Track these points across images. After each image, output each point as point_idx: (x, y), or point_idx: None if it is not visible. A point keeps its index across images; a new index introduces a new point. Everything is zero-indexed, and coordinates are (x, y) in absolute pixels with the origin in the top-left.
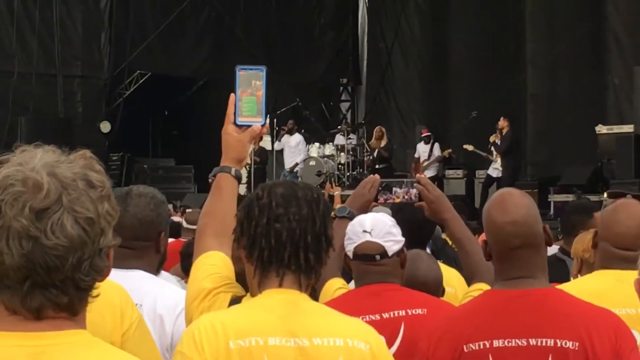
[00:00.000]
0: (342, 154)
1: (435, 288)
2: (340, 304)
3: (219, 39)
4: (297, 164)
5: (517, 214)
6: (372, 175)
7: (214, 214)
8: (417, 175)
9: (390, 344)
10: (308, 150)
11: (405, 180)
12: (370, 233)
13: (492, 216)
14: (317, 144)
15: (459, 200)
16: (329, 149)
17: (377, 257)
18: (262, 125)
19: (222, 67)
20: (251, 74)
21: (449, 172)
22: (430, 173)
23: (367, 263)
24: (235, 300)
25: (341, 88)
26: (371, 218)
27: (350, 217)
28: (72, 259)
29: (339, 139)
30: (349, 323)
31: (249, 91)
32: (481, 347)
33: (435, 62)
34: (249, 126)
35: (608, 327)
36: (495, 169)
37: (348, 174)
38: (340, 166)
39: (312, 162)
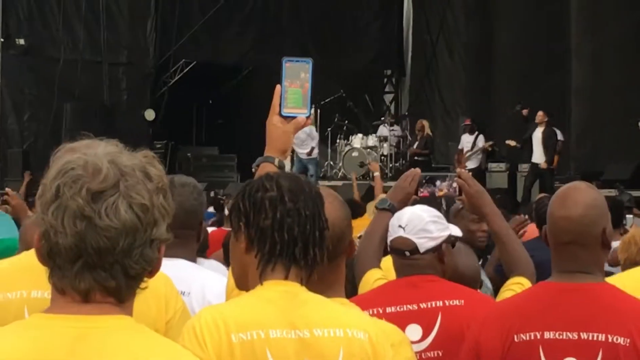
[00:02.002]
0: (384, 145)
1: (473, 281)
2: (379, 295)
3: (264, 28)
4: (313, 148)
5: (573, 211)
6: (413, 169)
7: None
8: (458, 169)
9: (427, 333)
10: (351, 141)
11: (448, 174)
12: (404, 228)
13: (551, 207)
14: (360, 135)
15: (501, 194)
16: (371, 140)
17: (407, 253)
18: (307, 117)
19: (267, 56)
20: (298, 65)
21: (492, 165)
22: (472, 164)
23: (400, 257)
24: None
25: (385, 79)
26: (409, 213)
27: (391, 210)
28: (123, 243)
29: (382, 130)
30: (348, 313)
31: (295, 83)
32: (532, 337)
33: (479, 54)
34: (294, 117)
35: None
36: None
37: (390, 165)
38: (382, 157)
39: (355, 153)
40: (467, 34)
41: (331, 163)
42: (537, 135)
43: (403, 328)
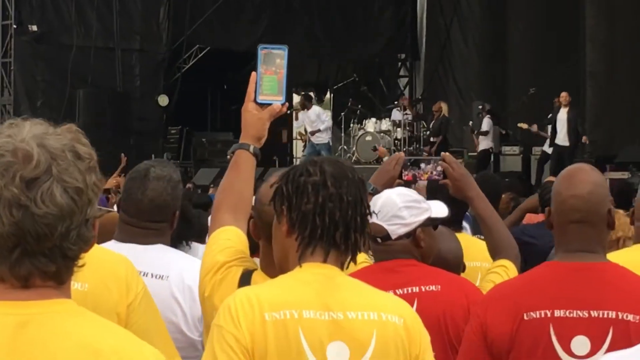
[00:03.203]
0: (398, 129)
1: (456, 264)
2: (356, 279)
3: (277, 14)
4: (319, 131)
5: (581, 189)
6: (397, 153)
7: (231, 190)
8: (442, 153)
9: None
10: (364, 125)
11: (432, 157)
12: (377, 215)
13: (558, 187)
14: (373, 120)
15: (514, 177)
16: (385, 125)
17: (379, 239)
18: (282, 104)
19: (280, 42)
20: (274, 53)
21: (506, 149)
22: (482, 147)
23: (373, 243)
24: (246, 274)
25: (399, 64)
26: (383, 199)
27: (374, 193)
28: (61, 227)
29: (396, 115)
30: (383, 297)
31: (271, 70)
32: (542, 315)
33: (493, 38)
34: (270, 104)
35: None
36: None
37: (404, 149)
38: (396, 142)
39: (369, 137)
40: (481, 18)
41: (345, 147)
42: (562, 117)
43: None
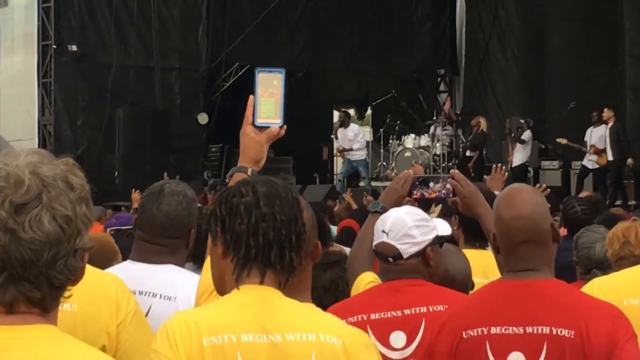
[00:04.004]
0: (437, 144)
1: (464, 282)
2: (364, 300)
3: (315, 31)
4: (351, 149)
5: (523, 210)
6: (405, 171)
7: None
8: (451, 170)
9: (411, 340)
10: (403, 141)
11: (442, 175)
12: (387, 234)
13: (499, 211)
14: (412, 135)
15: (553, 192)
16: (424, 140)
17: (390, 259)
18: (280, 127)
19: (319, 59)
20: (270, 76)
21: (545, 163)
22: (517, 161)
23: (384, 262)
24: None
25: (439, 79)
26: (393, 218)
27: (383, 212)
28: (47, 254)
29: (435, 130)
30: (322, 318)
31: (268, 93)
32: (479, 333)
33: (533, 52)
34: (268, 127)
35: (606, 317)
36: (590, 161)
37: (443, 164)
38: (435, 157)
39: (408, 153)
40: (520, 31)
41: (384, 163)
42: (603, 132)
43: (387, 335)
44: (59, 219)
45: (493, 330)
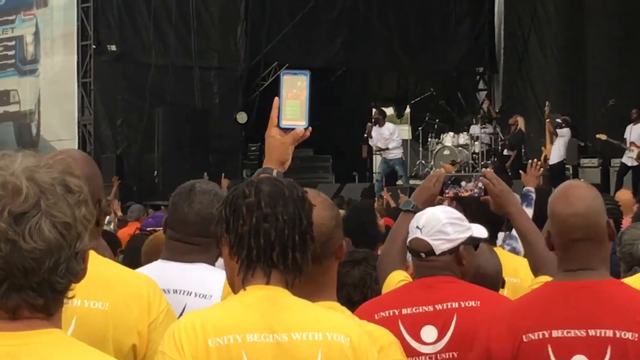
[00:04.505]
0: (476, 143)
1: (494, 280)
2: (396, 296)
3: (354, 29)
4: (387, 148)
5: (579, 207)
6: (437, 170)
7: None
8: (483, 169)
9: (442, 335)
10: (442, 139)
11: (473, 174)
12: (421, 230)
13: (555, 208)
14: (451, 134)
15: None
16: (463, 138)
17: (422, 254)
18: (305, 129)
19: (357, 57)
20: (295, 78)
21: (584, 161)
22: (554, 160)
23: (417, 258)
24: None
25: (477, 77)
26: (428, 214)
27: (415, 211)
28: (49, 262)
29: (474, 128)
30: (329, 317)
31: (293, 95)
32: (540, 337)
33: (571, 49)
34: (293, 129)
35: None
36: (630, 158)
37: (482, 163)
38: (474, 155)
39: (446, 152)
40: (559, 28)
41: (423, 162)
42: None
43: (418, 329)
44: (59, 226)
45: (555, 333)
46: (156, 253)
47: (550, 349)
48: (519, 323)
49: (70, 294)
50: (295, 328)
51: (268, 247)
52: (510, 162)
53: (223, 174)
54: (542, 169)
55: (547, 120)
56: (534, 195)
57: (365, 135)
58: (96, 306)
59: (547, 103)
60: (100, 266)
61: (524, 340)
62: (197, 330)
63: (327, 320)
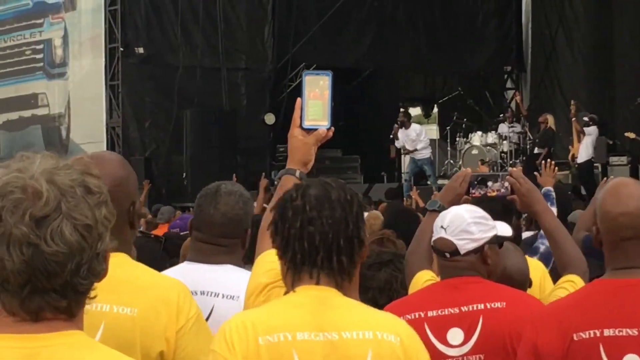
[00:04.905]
0: (504, 142)
1: (521, 280)
2: (421, 298)
3: (381, 29)
4: (415, 149)
5: (630, 205)
6: (464, 169)
7: None
8: (509, 169)
9: (468, 337)
10: (470, 138)
11: (500, 174)
12: (445, 229)
13: (605, 206)
14: (479, 133)
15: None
16: (491, 137)
17: (447, 254)
18: (328, 129)
19: (385, 57)
20: (318, 78)
21: (613, 159)
22: (582, 158)
23: (442, 258)
24: None
25: (505, 76)
26: (452, 214)
27: (440, 211)
28: (71, 264)
29: (502, 128)
30: (379, 316)
31: (316, 95)
32: (591, 335)
33: (599, 47)
34: (315, 129)
35: None
36: None
37: (511, 162)
38: (502, 154)
39: (475, 151)
40: (587, 27)
41: (451, 161)
42: None
43: (445, 332)
44: (80, 229)
45: (606, 332)
46: None
47: (602, 348)
48: (569, 321)
49: (92, 294)
50: (346, 327)
51: (313, 251)
52: (540, 160)
53: (263, 174)
54: (556, 168)
55: (574, 119)
56: (554, 194)
57: (392, 136)
58: (125, 312)
59: (572, 102)
60: (131, 271)
61: (575, 339)
62: (248, 328)
63: (377, 319)
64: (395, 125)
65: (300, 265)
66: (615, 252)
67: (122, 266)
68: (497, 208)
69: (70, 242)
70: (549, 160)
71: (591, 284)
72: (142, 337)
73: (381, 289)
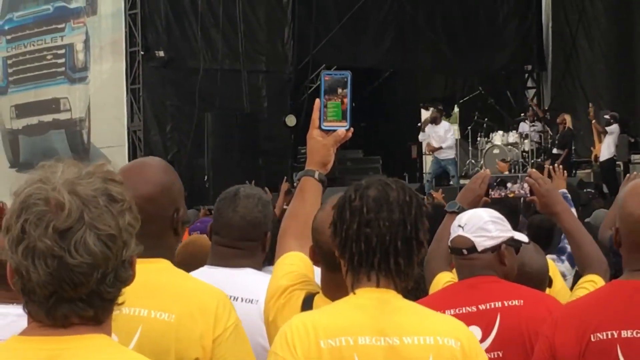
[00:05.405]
0: (525, 141)
1: (540, 279)
2: (439, 298)
3: (401, 30)
4: (440, 147)
5: None
6: (483, 171)
7: (297, 216)
8: (529, 170)
9: (486, 335)
10: (491, 138)
11: (519, 175)
12: (463, 227)
13: (628, 207)
14: (500, 132)
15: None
16: (512, 137)
17: (465, 251)
18: (347, 130)
19: (405, 57)
20: (336, 79)
21: (635, 157)
22: (604, 156)
23: (459, 257)
24: (309, 298)
25: (526, 75)
26: (470, 213)
27: (460, 212)
28: (97, 274)
29: (523, 127)
30: (440, 320)
31: (335, 96)
32: (609, 337)
33: (620, 45)
34: (334, 130)
35: None
36: None
37: (532, 161)
38: (524, 154)
39: (496, 151)
40: (607, 25)
41: (472, 161)
42: None
43: None
44: (104, 239)
45: (624, 333)
46: (190, 259)
47: (619, 349)
48: (587, 321)
49: (120, 299)
50: (407, 331)
51: (370, 253)
52: (561, 161)
53: (285, 178)
54: (565, 172)
55: (593, 121)
56: (569, 196)
57: (420, 125)
58: (162, 317)
59: (590, 105)
60: (172, 277)
61: (592, 339)
62: (309, 331)
63: (438, 323)
64: (427, 118)
65: (358, 267)
66: (635, 253)
67: (163, 272)
68: (503, 210)
69: (95, 253)
70: (556, 164)
71: (609, 285)
72: (177, 344)
73: (409, 290)
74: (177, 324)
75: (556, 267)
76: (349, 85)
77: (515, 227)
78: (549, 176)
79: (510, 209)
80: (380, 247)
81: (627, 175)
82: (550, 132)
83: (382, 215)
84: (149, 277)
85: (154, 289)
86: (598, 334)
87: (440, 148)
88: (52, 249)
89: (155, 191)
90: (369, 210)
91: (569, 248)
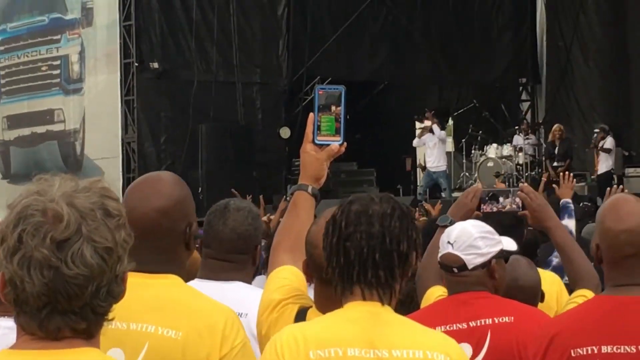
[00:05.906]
0: (520, 154)
1: (532, 294)
2: (430, 313)
3: (396, 42)
4: (434, 145)
5: (631, 222)
6: (474, 185)
7: (289, 230)
8: (520, 184)
9: (477, 352)
10: (485, 151)
11: (511, 189)
12: (452, 245)
13: (606, 223)
14: (494, 145)
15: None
16: (506, 150)
17: (455, 269)
18: (340, 145)
19: (400, 70)
20: (330, 93)
21: (629, 170)
22: (602, 169)
23: (449, 274)
24: (302, 312)
25: (520, 88)
26: (458, 229)
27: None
28: (92, 287)
29: (517, 139)
30: (429, 335)
31: (328, 111)
32: (589, 352)
33: (615, 59)
34: (328, 145)
35: None
36: None
37: (526, 174)
38: (518, 167)
39: (490, 163)
40: (602, 39)
41: (466, 174)
42: None
43: None
44: (100, 251)
45: (604, 349)
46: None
47: None
48: (568, 337)
49: (110, 315)
50: (396, 345)
51: (349, 266)
52: (565, 168)
53: (284, 197)
54: (574, 180)
55: (598, 147)
56: (572, 207)
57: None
58: (169, 334)
59: (594, 132)
60: (181, 293)
61: (572, 355)
62: (299, 342)
63: (427, 338)
64: (425, 129)
65: (341, 281)
66: (617, 269)
67: (173, 288)
68: (507, 221)
69: (91, 265)
70: (567, 172)
71: (591, 300)
72: None
73: (402, 302)
74: (184, 342)
75: (561, 281)
76: (343, 99)
77: (522, 239)
78: (562, 182)
79: (518, 220)
80: (359, 259)
81: (608, 189)
82: (544, 145)
83: (360, 229)
84: (159, 293)
85: (162, 305)
86: (578, 350)
87: (434, 145)
88: (49, 259)
89: (169, 205)
90: (348, 224)
91: (554, 262)
